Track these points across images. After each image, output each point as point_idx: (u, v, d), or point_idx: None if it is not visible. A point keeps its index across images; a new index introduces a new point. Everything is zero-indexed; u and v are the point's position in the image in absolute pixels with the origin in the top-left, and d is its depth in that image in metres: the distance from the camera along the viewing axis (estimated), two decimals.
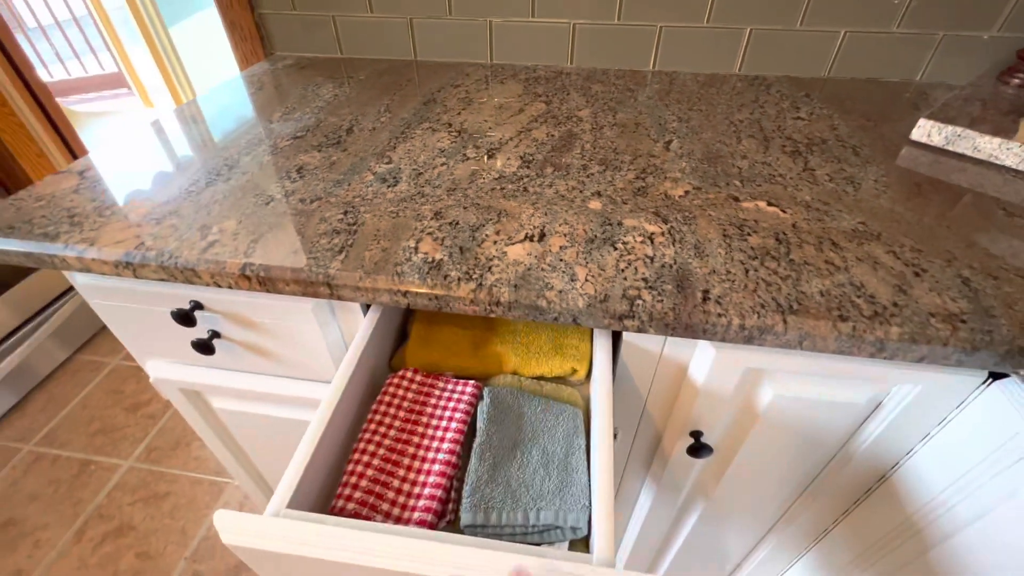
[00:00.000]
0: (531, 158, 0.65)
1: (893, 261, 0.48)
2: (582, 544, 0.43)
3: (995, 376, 0.46)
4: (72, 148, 1.52)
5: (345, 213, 0.55)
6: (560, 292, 0.45)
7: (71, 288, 1.65)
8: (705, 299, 0.44)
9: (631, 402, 0.60)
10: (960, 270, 0.47)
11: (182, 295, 0.57)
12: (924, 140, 0.68)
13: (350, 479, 0.44)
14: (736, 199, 0.57)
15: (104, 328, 1.78)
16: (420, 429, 0.49)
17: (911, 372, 0.47)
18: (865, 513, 0.62)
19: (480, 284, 0.45)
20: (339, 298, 0.48)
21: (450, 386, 0.53)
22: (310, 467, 0.42)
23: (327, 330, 0.58)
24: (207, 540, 1.21)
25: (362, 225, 0.53)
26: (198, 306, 0.58)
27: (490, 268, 0.47)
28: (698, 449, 0.57)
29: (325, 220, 0.54)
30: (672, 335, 0.44)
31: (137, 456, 1.39)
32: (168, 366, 0.70)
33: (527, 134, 0.72)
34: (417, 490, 0.44)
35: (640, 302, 0.44)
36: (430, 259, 0.48)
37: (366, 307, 0.56)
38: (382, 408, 0.50)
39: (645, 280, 0.46)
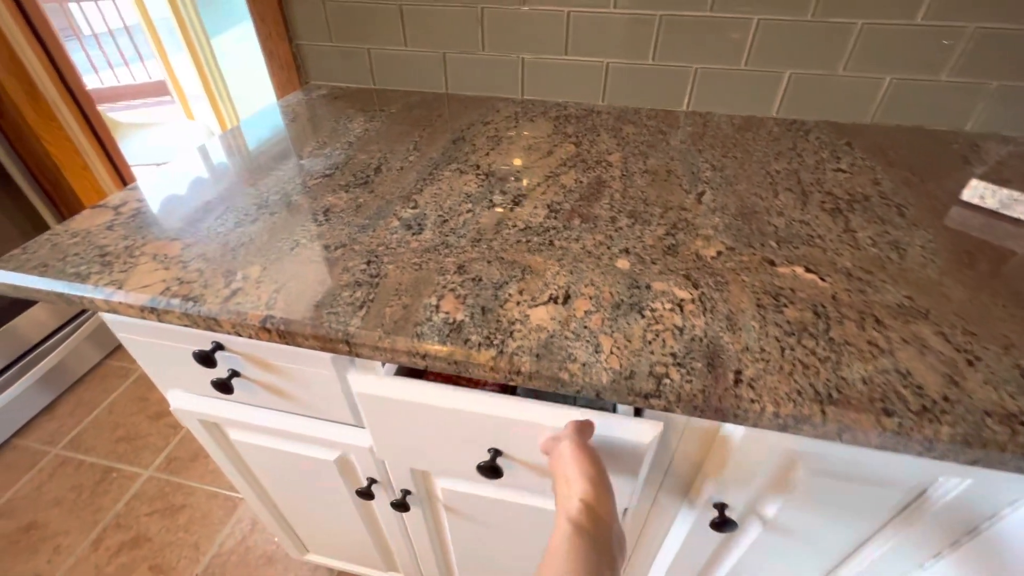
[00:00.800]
0: (558, 207, 0.64)
1: (943, 345, 0.45)
2: None
3: None
4: (114, 161, 1.58)
5: (368, 263, 0.54)
6: (583, 365, 0.43)
7: None
8: (737, 381, 0.41)
9: (655, 460, 0.58)
10: (1019, 359, 0.43)
11: (205, 336, 0.58)
12: (976, 202, 0.64)
13: None
14: (772, 263, 0.54)
15: None
16: None
17: (959, 465, 0.44)
18: None
19: (501, 351, 0.44)
20: (357, 355, 0.47)
21: None
22: None
23: (344, 378, 0.58)
24: (218, 557, 1.22)
25: (384, 277, 0.52)
26: (219, 347, 0.58)
27: (512, 333, 0.46)
28: (722, 524, 0.54)
29: (348, 270, 0.53)
30: (700, 417, 0.42)
31: (157, 466, 1.41)
32: (189, 397, 0.71)
33: (555, 179, 0.71)
34: None
35: (667, 381, 0.42)
36: (451, 320, 0.47)
37: None
38: None
39: (673, 355, 0.44)
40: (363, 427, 0.66)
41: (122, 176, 1.61)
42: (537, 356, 0.44)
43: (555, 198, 0.66)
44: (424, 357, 0.45)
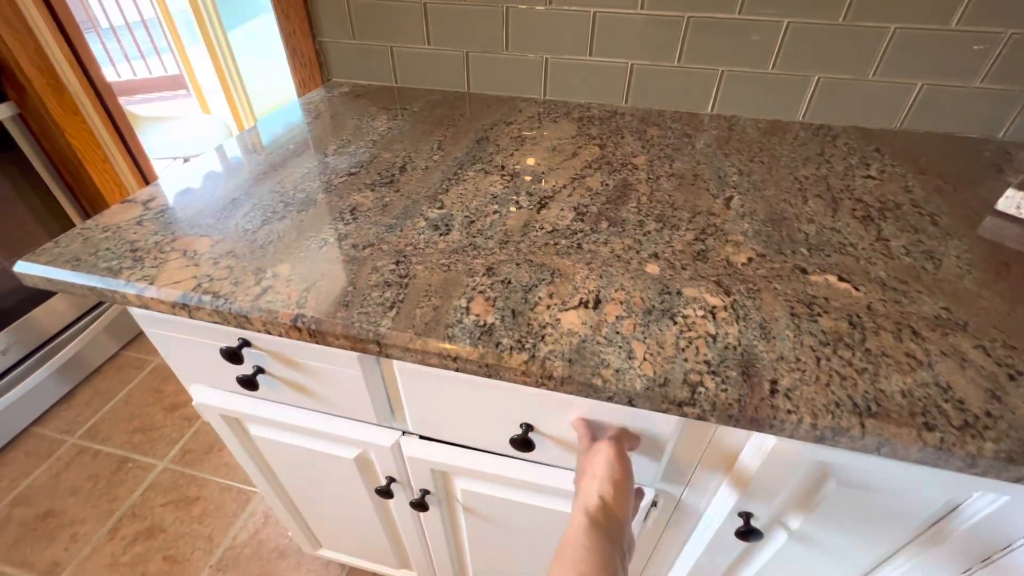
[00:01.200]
0: (585, 210, 0.64)
1: (983, 359, 0.44)
2: None
3: None
4: (134, 155, 1.59)
5: (397, 263, 0.54)
6: (617, 372, 0.43)
7: None
8: (773, 391, 0.41)
9: (680, 462, 0.57)
10: None
11: (232, 332, 0.58)
12: (1012, 212, 0.63)
13: None
14: (804, 271, 0.54)
15: None
16: None
17: (998, 482, 0.43)
18: None
19: (533, 356, 0.44)
20: (388, 356, 0.47)
21: None
22: None
23: (371, 378, 0.58)
24: (232, 549, 1.23)
25: (413, 278, 0.52)
26: (246, 344, 0.58)
27: (543, 337, 0.45)
28: (747, 533, 0.54)
29: (377, 270, 0.53)
30: (735, 426, 0.41)
31: (171, 457, 1.43)
32: (211, 392, 0.71)
33: (581, 182, 0.70)
34: None
35: (702, 389, 0.41)
36: (482, 323, 0.47)
37: None
38: None
39: (708, 363, 0.43)
40: (386, 426, 0.66)
41: (142, 170, 1.63)
42: (570, 361, 0.43)
43: (582, 200, 0.66)
44: (455, 360, 0.45)
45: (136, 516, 1.30)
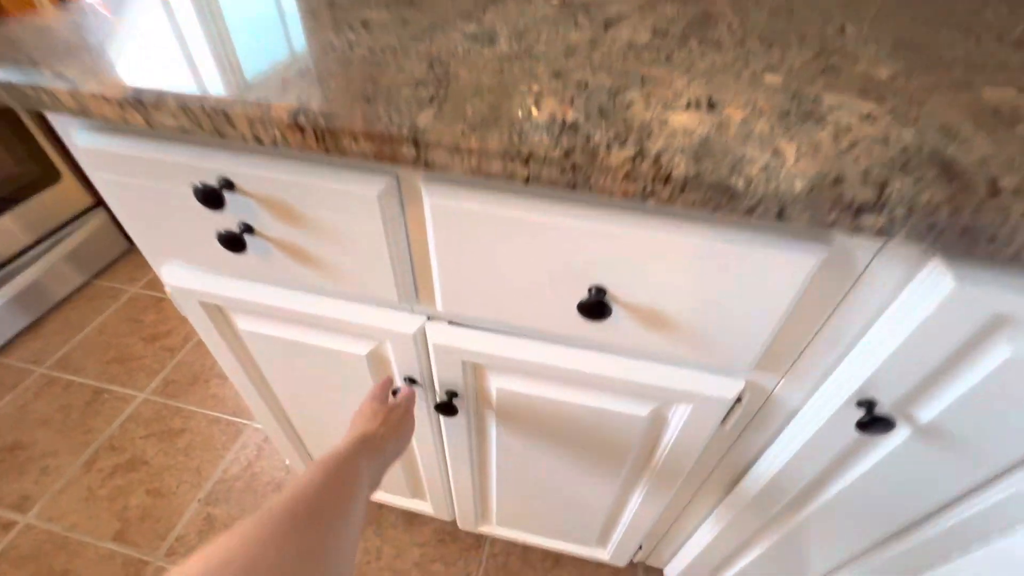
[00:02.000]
0: (665, 31, 0.50)
1: None
2: None
3: None
4: None
5: (431, 66, 0.40)
6: (765, 169, 0.30)
7: (89, 208, 1.55)
8: (994, 192, 0.28)
9: (783, 345, 0.46)
10: None
11: (208, 168, 0.44)
12: None
13: None
14: (969, 85, 0.41)
15: (124, 254, 1.68)
16: None
17: None
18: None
19: (640, 151, 0.31)
20: (427, 165, 0.34)
21: None
22: None
23: (392, 232, 0.44)
24: (223, 482, 1.12)
25: (455, 79, 0.38)
26: (228, 185, 0.44)
27: (649, 135, 0.32)
28: (871, 424, 0.43)
29: (403, 70, 0.39)
30: (935, 245, 0.29)
31: (153, 389, 1.30)
32: (188, 273, 0.58)
33: (651, 10, 0.56)
34: None
35: (892, 189, 0.29)
36: (560, 119, 0.34)
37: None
38: None
39: (891, 161, 0.30)
40: (407, 310, 0.54)
41: None
42: (695, 158, 0.30)
43: (658, 24, 0.51)
44: (528, 161, 0.32)
45: (115, 448, 1.18)
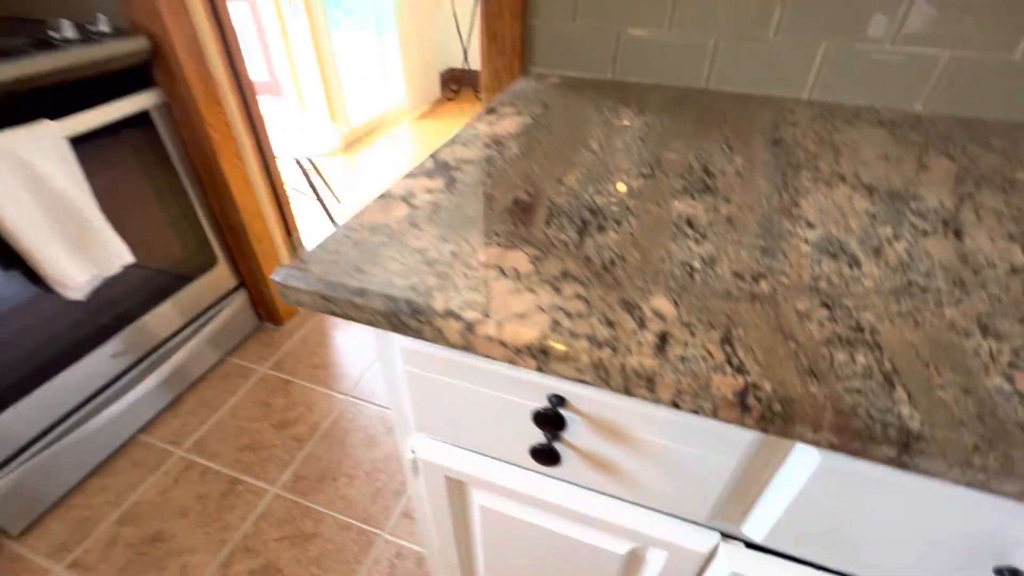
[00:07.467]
0: None
1: None
2: None
3: None
4: (264, 152, 1.50)
5: (828, 308, 0.36)
6: None
7: (233, 290, 1.62)
8: None
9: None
10: None
11: (537, 383, 0.41)
12: None
13: None
14: None
15: (254, 331, 1.74)
16: None
17: None
18: None
19: None
20: (912, 468, 0.29)
21: None
22: None
23: (740, 467, 0.39)
24: None
25: (877, 334, 0.34)
26: (559, 402, 0.41)
27: None
28: None
29: (805, 316, 0.35)
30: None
31: (283, 483, 1.29)
32: (441, 447, 0.55)
33: (970, 200, 0.51)
34: None
35: None
36: None
37: None
38: None
39: None
40: (706, 525, 0.48)
41: (269, 169, 1.54)
42: None
43: (1008, 228, 0.46)
44: None
45: (249, 549, 1.15)
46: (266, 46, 2.93)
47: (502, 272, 0.39)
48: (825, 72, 0.77)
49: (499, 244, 0.43)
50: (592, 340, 0.33)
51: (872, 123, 0.70)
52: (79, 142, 1.07)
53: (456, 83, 3.85)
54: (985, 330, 0.34)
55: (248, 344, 1.70)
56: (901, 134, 0.67)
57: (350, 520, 1.21)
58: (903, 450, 0.28)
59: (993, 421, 0.28)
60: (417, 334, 0.37)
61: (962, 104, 0.73)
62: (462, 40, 3.62)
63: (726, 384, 0.31)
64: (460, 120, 3.42)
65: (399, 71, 3.29)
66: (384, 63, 3.32)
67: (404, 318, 0.37)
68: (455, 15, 3.52)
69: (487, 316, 0.35)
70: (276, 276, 0.39)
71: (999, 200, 0.51)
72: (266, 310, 1.72)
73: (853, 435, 0.29)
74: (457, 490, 0.59)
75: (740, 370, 0.31)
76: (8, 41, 0.98)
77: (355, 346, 1.70)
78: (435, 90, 3.68)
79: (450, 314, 0.36)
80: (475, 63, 3.69)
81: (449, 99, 3.73)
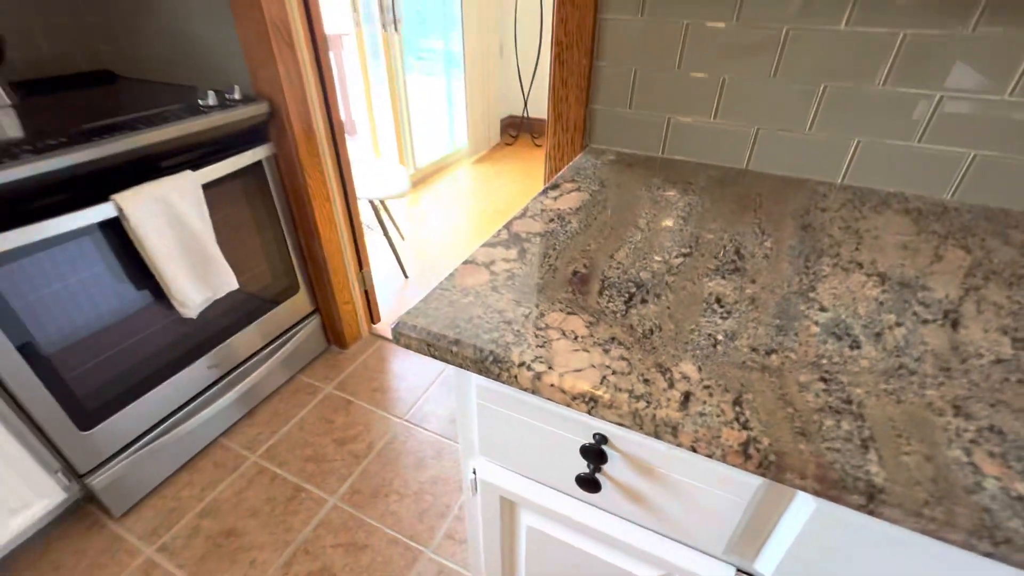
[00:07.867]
0: (1021, 338, 0.51)
1: None
2: None
3: None
4: (348, 194, 1.71)
5: (825, 382, 0.45)
6: None
7: (306, 316, 1.81)
8: None
9: None
10: None
11: (585, 423, 0.51)
12: None
13: None
14: None
15: (322, 354, 1.92)
16: None
17: None
18: None
19: None
20: (878, 515, 0.37)
21: None
22: None
23: (751, 507, 0.48)
24: None
25: (863, 407, 0.43)
26: (603, 439, 0.51)
27: None
28: None
29: (805, 387, 0.45)
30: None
31: (341, 495, 1.42)
32: (499, 470, 0.66)
33: (975, 293, 0.58)
34: None
35: None
36: (1011, 491, 0.36)
37: None
38: None
39: None
40: (722, 559, 0.56)
41: (350, 209, 1.74)
42: None
43: (1004, 322, 0.53)
44: (998, 545, 0.34)
45: (308, 553, 1.28)
46: (345, 88, 3.26)
47: (563, 333, 0.51)
48: (858, 161, 0.85)
49: (561, 310, 0.55)
50: (631, 394, 0.44)
51: (899, 211, 0.78)
52: (207, 187, 1.29)
53: (515, 129, 4.10)
54: (957, 410, 0.42)
55: (316, 364, 1.88)
56: (925, 224, 0.74)
57: (398, 535, 1.32)
58: (869, 499, 0.37)
59: (944, 483, 0.36)
60: (496, 377, 0.49)
61: (989, 195, 0.79)
62: (523, 89, 3.87)
63: (733, 436, 0.40)
64: (517, 164, 3.62)
65: (463, 116, 3.55)
66: (450, 108, 3.59)
67: (488, 365, 0.49)
68: (518, 65, 3.78)
69: (551, 368, 0.46)
70: (395, 326, 0.53)
71: (1002, 294, 0.58)
72: (334, 334, 1.90)
73: (830, 484, 0.38)
74: (508, 510, 0.69)
75: (745, 426, 0.41)
76: (169, 108, 1.22)
77: (410, 374, 1.84)
78: (495, 135, 3.93)
79: (524, 365, 0.47)
80: (534, 111, 3.93)
81: (507, 144, 3.97)
